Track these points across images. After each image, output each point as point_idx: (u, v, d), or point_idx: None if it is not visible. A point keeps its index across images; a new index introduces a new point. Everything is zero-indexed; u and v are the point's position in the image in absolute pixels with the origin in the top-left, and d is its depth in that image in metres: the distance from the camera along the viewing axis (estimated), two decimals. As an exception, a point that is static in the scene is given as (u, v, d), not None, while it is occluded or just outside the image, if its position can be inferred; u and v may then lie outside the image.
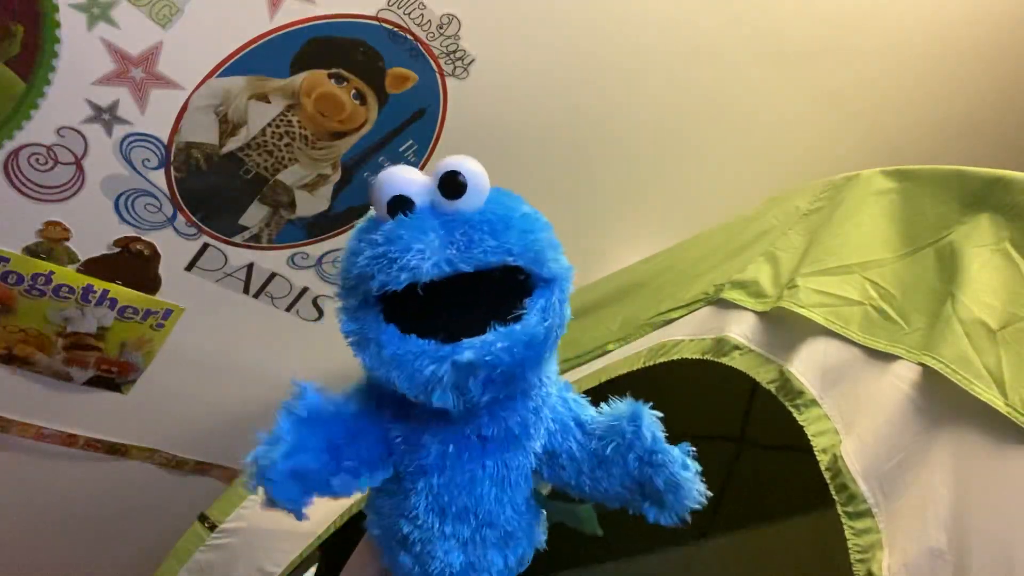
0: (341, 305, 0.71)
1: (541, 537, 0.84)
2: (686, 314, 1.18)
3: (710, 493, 0.75)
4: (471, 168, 0.66)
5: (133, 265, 1.58)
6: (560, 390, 0.81)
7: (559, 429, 0.78)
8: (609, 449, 0.75)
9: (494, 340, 0.65)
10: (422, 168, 1.66)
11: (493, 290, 0.67)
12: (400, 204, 0.65)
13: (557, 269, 0.71)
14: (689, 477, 0.74)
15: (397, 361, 0.66)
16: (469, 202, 0.66)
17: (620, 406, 0.77)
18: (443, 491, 0.74)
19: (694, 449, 0.75)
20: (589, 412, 0.80)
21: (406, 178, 0.67)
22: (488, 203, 0.68)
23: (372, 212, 0.70)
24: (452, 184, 0.65)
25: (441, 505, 0.75)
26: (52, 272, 1.52)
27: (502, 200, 0.69)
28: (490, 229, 0.66)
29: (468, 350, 0.64)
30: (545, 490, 0.85)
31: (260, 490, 0.69)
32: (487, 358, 0.65)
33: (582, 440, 0.77)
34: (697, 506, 0.74)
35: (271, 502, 0.70)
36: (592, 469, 0.77)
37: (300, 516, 0.71)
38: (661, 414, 0.75)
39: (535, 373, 0.74)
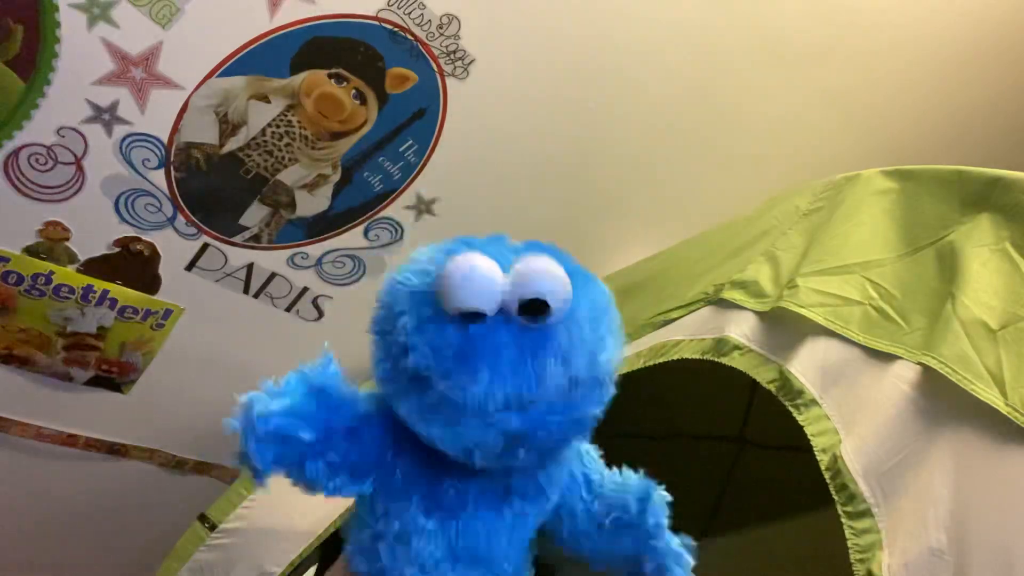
0: (378, 352, 0.65)
1: (530, 572, 0.81)
2: (686, 314, 1.18)
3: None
4: (559, 295, 0.57)
5: (133, 265, 1.58)
6: (579, 448, 0.78)
7: (570, 483, 0.76)
8: (609, 520, 0.73)
9: (547, 411, 0.60)
10: (422, 169, 1.66)
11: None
12: (471, 316, 0.58)
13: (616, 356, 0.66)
14: (680, 573, 0.72)
15: (440, 420, 0.62)
16: (554, 321, 0.59)
17: (633, 478, 0.74)
18: (459, 536, 0.71)
19: (695, 544, 0.74)
20: (599, 470, 0.77)
21: (487, 288, 0.57)
22: (577, 310, 0.60)
23: (424, 269, 0.62)
24: (535, 308, 0.57)
25: (454, 550, 0.71)
26: (52, 272, 1.52)
27: (576, 307, 0.60)
28: (563, 357, 0.59)
29: (519, 422, 0.60)
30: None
31: (236, 437, 0.65)
32: (539, 433, 0.61)
33: (586, 498, 0.75)
34: None
35: (242, 455, 0.66)
36: (586, 529, 0.75)
37: (260, 481, 0.67)
38: (670, 498, 0.73)
39: (577, 440, 0.71)
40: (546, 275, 0.58)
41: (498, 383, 0.58)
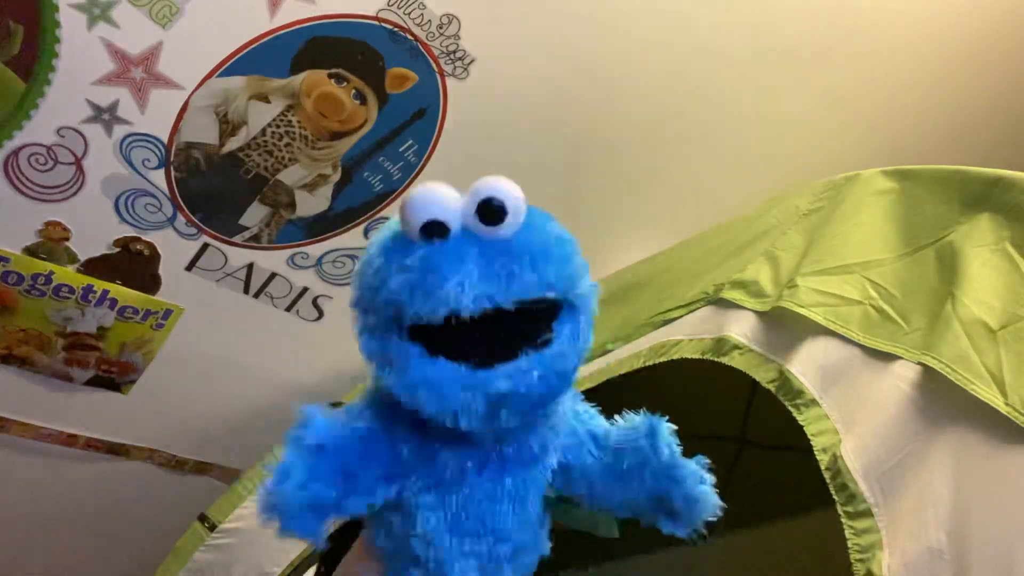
0: (360, 323, 0.67)
1: (547, 544, 0.82)
2: (686, 314, 1.18)
3: (724, 504, 0.74)
4: (511, 194, 0.62)
5: (133, 265, 1.58)
6: (571, 401, 0.79)
7: (574, 443, 0.76)
8: (625, 464, 0.73)
9: (528, 368, 0.62)
10: (422, 169, 1.66)
11: (523, 314, 0.63)
12: (434, 228, 0.60)
13: (584, 294, 0.68)
14: (706, 491, 0.72)
15: (426, 386, 0.63)
16: (506, 228, 0.62)
17: (636, 419, 0.76)
18: (460, 509, 0.72)
19: (708, 460, 0.75)
20: (602, 424, 0.78)
21: (442, 200, 0.61)
22: (528, 228, 0.64)
23: (396, 225, 0.64)
24: (491, 211, 0.60)
25: (458, 523, 0.72)
26: (52, 272, 1.52)
27: (537, 224, 0.66)
28: (531, 261, 0.62)
29: (502, 379, 0.62)
30: (550, 494, 0.83)
31: (272, 523, 0.66)
32: (522, 389, 0.62)
33: (597, 454, 0.76)
34: (712, 519, 0.73)
35: (287, 532, 0.67)
36: (606, 482, 0.76)
37: (319, 543, 0.69)
38: (675, 427, 0.74)
39: (563, 398, 0.72)
40: (498, 181, 0.62)
41: (468, 285, 0.59)
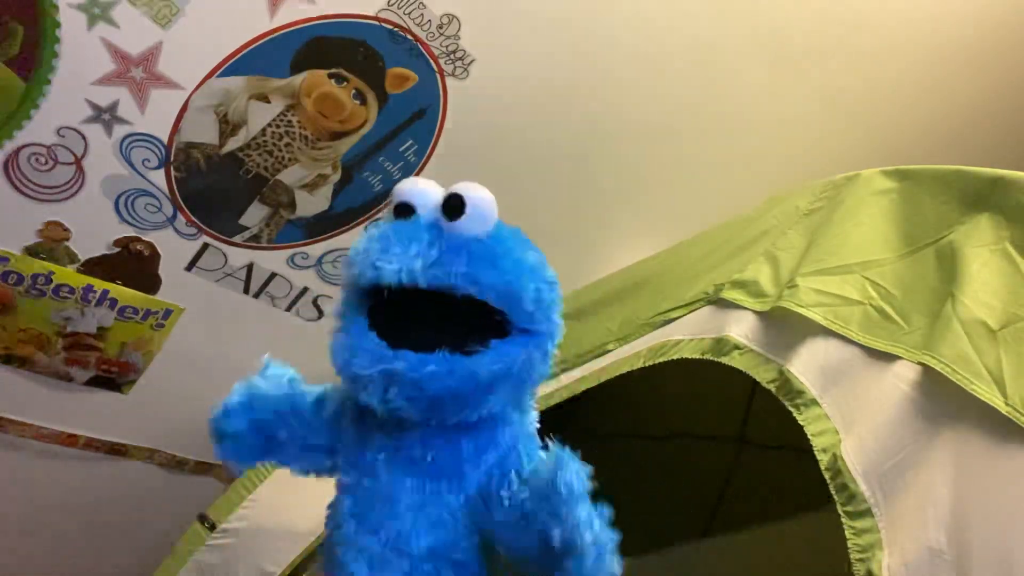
0: (340, 301, 0.73)
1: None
2: (686, 314, 1.18)
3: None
4: (476, 194, 0.67)
5: (133, 265, 1.58)
6: (527, 440, 0.76)
7: (502, 477, 0.71)
8: (529, 500, 0.67)
9: (429, 361, 0.65)
10: (422, 169, 1.66)
11: (471, 322, 0.67)
12: (404, 210, 0.67)
13: (541, 323, 0.69)
14: (588, 543, 0.60)
15: (343, 349, 0.68)
16: (468, 227, 0.66)
17: (552, 451, 0.67)
18: (364, 497, 0.75)
19: (611, 513, 0.63)
20: (532, 462, 0.73)
21: (419, 189, 0.68)
22: (492, 238, 0.68)
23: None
24: (451, 204, 0.66)
25: (360, 510, 0.74)
26: (52, 272, 1.52)
27: (507, 240, 0.69)
28: (468, 257, 0.65)
29: (401, 361, 0.65)
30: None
31: (216, 446, 0.78)
32: (412, 374, 0.65)
33: (516, 489, 0.69)
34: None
35: (216, 435, 0.78)
36: (516, 523, 0.68)
37: (238, 471, 0.79)
38: (588, 467, 0.64)
39: (473, 410, 0.69)
40: (470, 183, 0.67)
41: (399, 257, 0.64)
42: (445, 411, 0.69)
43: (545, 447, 0.72)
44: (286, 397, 0.81)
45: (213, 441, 0.79)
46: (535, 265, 0.71)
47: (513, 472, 0.71)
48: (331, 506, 0.80)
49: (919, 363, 0.81)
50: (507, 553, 0.71)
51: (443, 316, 0.67)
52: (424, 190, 0.68)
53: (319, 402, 0.82)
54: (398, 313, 0.67)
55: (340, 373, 0.70)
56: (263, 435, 0.80)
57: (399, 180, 1.64)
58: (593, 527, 0.61)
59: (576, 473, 0.63)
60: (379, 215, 1.70)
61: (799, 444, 0.90)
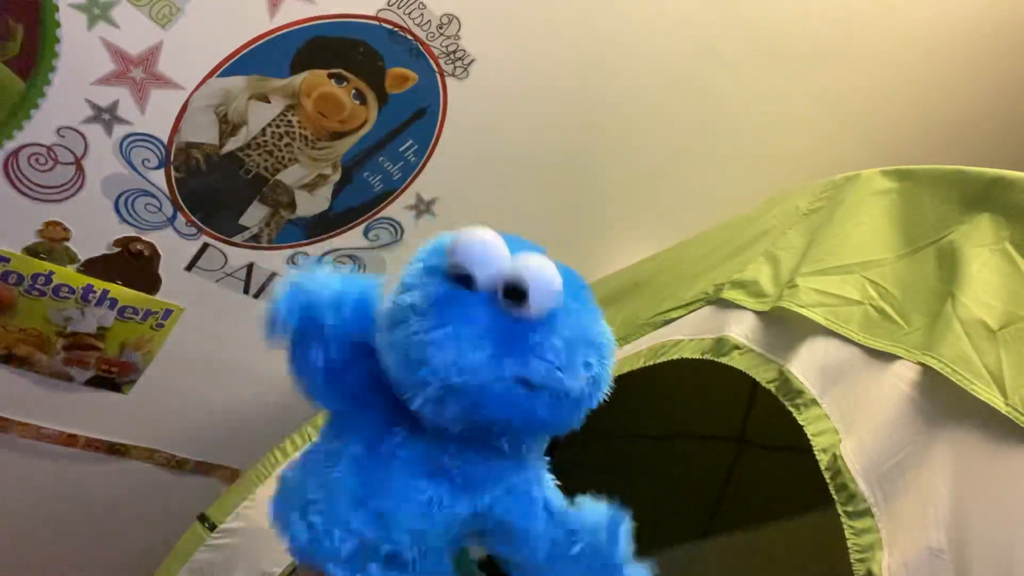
0: (385, 301, 0.68)
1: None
2: (686, 314, 1.18)
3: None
4: (544, 291, 0.59)
5: (133, 265, 1.58)
6: (537, 467, 0.76)
7: (524, 507, 0.73)
8: (576, 549, 0.70)
9: (492, 388, 0.61)
10: (422, 169, 1.66)
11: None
12: (463, 280, 0.60)
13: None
14: None
15: (400, 356, 0.63)
16: (532, 310, 0.60)
17: (599, 510, 0.72)
18: (371, 481, 0.70)
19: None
20: (559, 499, 0.75)
21: (490, 253, 0.61)
22: (551, 318, 0.61)
23: (445, 242, 0.64)
24: (515, 295, 0.59)
25: (362, 492, 0.70)
26: (52, 272, 1.52)
27: (568, 319, 0.63)
28: (528, 352, 0.61)
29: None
30: (475, 555, 0.80)
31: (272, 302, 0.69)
32: (477, 397, 0.61)
33: (546, 523, 0.72)
34: None
35: (271, 314, 0.69)
36: (547, 558, 0.72)
37: (287, 331, 0.70)
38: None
39: (524, 444, 0.70)
40: (541, 270, 0.59)
41: (451, 345, 0.59)
42: (498, 439, 0.67)
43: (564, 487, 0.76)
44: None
45: (283, 318, 0.69)
46: (599, 348, 0.67)
47: (541, 502, 0.73)
48: (312, 466, 0.74)
49: (919, 363, 0.81)
50: (508, 562, 0.74)
51: None
52: (492, 257, 0.60)
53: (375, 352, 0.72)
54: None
55: (394, 374, 0.64)
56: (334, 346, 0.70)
57: (399, 180, 1.66)
58: None
59: (630, 538, 0.70)
60: (379, 216, 1.70)
61: (799, 444, 0.90)
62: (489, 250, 0.60)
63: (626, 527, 0.71)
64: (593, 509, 0.72)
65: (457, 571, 0.76)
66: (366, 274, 0.75)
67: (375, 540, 0.69)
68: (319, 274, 0.71)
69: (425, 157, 1.64)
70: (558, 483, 0.77)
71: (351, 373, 0.72)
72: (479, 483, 0.71)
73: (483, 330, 0.60)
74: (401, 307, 0.63)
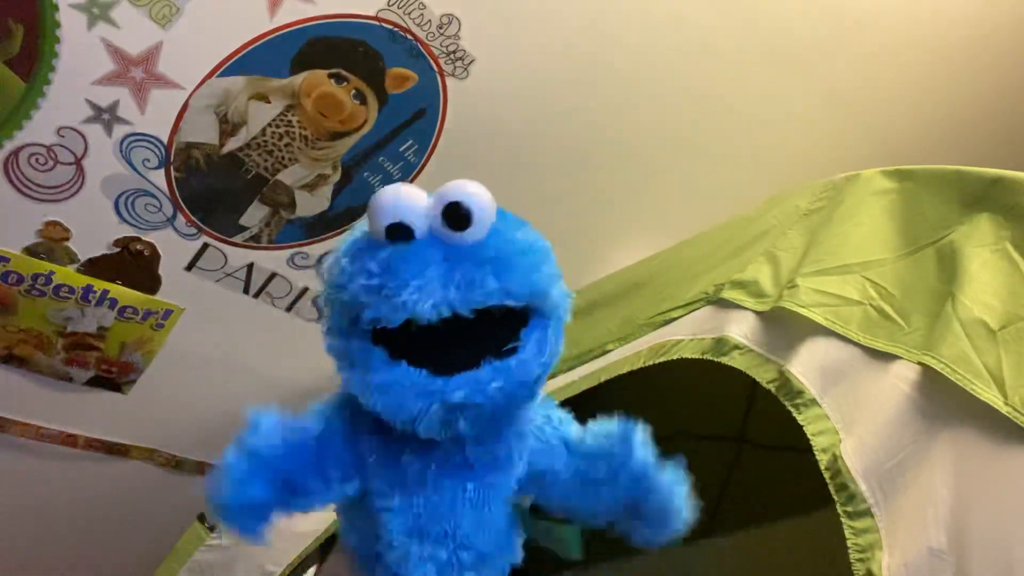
0: (327, 322, 0.67)
1: (519, 554, 0.80)
2: (686, 314, 1.18)
3: (701, 504, 0.74)
4: (478, 200, 0.60)
5: (133, 265, 1.58)
6: (544, 407, 0.78)
7: (545, 449, 0.75)
8: (600, 471, 0.73)
9: (488, 379, 0.63)
10: (422, 169, 1.66)
11: (488, 320, 0.63)
12: (399, 231, 0.60)
13: (556, 299, 0.68)
14: (680, 499, 0.72)
15: (384, 390, 0.63)
16: (472, 233, 0.61)
17: (610, 426, 0.74)
18: (422, 512, 0.71)
19: (686, 463, 0.73)
20: (575, 430, 0.77)
21: (408, 202, 0.60)
22: (496, 235, 0.62)
23: (365, 225, 0.64)
24: (456, 216, 0.60)
25: (419, 526, 0.72)
26: (52, 272, 1.52)
27: (506, 230, 0.64)
28: (492, 269, 0.61)
29: (460, 390, 0.62)
30: (525, 503, 0.82)
31: (230, 523, 0.70)
32: (478, 399, 0.62)
33: (569, 461, 0.75)
34: (684, 529, 0.73)
35: (230, 527, 0.70)
36: (580, 489, 0.74)
37: (260, 541, 0.70)
38: (651, 430, 0.72)
39: (526, 404, 0.71)
40: (466, 185, 0.60)
41: (427, 291, 0.59)
42: (505, 417, 0.69)
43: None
44: (285, 445, 0.72)
45: (224, 519, 0.70)
46: (536, 243, 0.67)
47: (559, 441, 0.75)
48: (354, 524, 0.77)
49: (919, 363, 0.81)
50: (574, 515, 0.76)
51: (456, 324, 0.62)
52: (412, 206, 0.60)
53: (324, 434, 0.74)
54: (410, 333, 0.62)
55: (387, 417, 0.64)
56: (277, 494, 0.71)
57: (399, 180, 1.65)
58: (679, 485, 0.72)
59: (646, 443, 0.72)
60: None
61: (799, 444, 0.90)
62: (407, 191, 0.61)
63: (639, 434, 0.72)
64: (603, 430, 0.74)
65: (525, 531, 0.79)
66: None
67: (450, 559, 0.72)
68: (219, 470, 0.72)
69: (425, 157, 1.64)
70: (567, 411, 0.79)
71: (330, 462, 0.72)
72: (506, 456, 0.73)
73: (444, 268, 0.60)
74: (351, 302, 0.62)
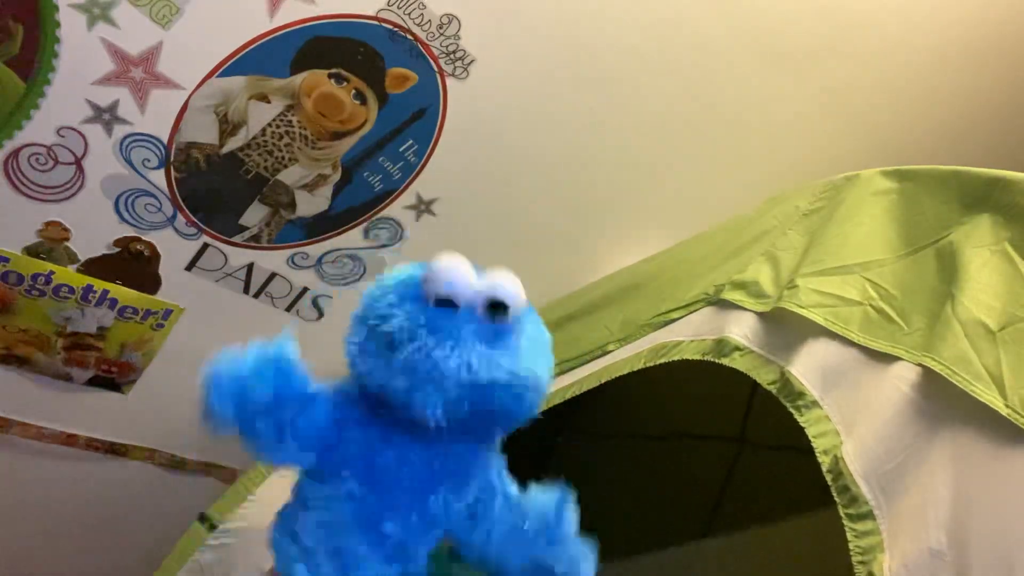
0: (358, 338, 0.76)
1: None
2: (686, 314, 1.18)
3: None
4: (517, 302, 0.73)
5: (133, 265, 1.58)
6: (499, 463, 0.87)
7: (490, 494, 0.83)
8: (529, 531, 0.81)
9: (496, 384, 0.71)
10: (422, 169, 1.66)
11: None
12: (446, 302, 0.71)
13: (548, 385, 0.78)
14: (588, 569, 0.82)
15: (405, 377, 0.71)
16: (506, 321, 0.72)
17: (547, 496, 0.83)
18: (374, 506, 0.77)
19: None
20: (514, 488, 0.86)
21: (464, 284, 0.72)
22: (520, 336, 0.74)
23: (414, 270, 0.75)
24: (496, 310, 0.72)
25: (369, 518, 0.77)
26: (52, 272, 1.52)
27: (530, 341, 0.75)
28: (509, 354, 0.72)
29: (499, 369, 0.71)
30: (444, 549, 0.87)
31: (203, 397, 0.74)
32: (505, 379, 0.71)
33: (505, 511, 0.83)
34: None
35: (206, 411, 0.74)
36: (505, 539, 0.82)
37: (219, 432, 0.75)
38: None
39: (504, 429, 0.80)
40: (511, 285, 0.73)
41: (455, 357, 0.70)
42: (492, 429, 0.79)
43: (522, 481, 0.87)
44: (287, 376, 0.78)
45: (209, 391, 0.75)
46: (547, 340, 0.79)
47: (502, 493, 0.84)
48: (312, 532, 0.80)
49: (919, 364, 0.81)
50: (486, 563, 0.83)
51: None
52: (465, 282, 0.72)
53: (316, 397, 0.80)
54: None
55: (417, 394, 0.71)
56: (261, 410, 0.76)
57: (399, 180, 1.66)
58: (589, 560, 0.82)
59: (574, 514, 0.81)
60: (379, 216, 1.70)
61: (799, 444, 0.90)
62: (464, 274, 0.73)
63: (570, 507, 0.82)
64: (542, 495, 0.84)
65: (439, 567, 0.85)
66: (272, 337, 0.80)
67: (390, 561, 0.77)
68: (228, 354, 0.76)
69: (425, 157, 1.64)
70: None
71: (302, 426, 0.78)
72: (468, 478, 0.81)
73: (474, 339, 0.71)
74: (392, 333, 0.72)
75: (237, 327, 1.77)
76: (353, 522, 0.77)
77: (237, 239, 1.63)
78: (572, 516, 0.81)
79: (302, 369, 0.79)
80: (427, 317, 0.71)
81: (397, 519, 0.77)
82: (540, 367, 0.76)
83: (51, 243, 1.50)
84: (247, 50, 1.39)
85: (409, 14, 1.44)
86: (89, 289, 1.57)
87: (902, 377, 0.82)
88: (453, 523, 0.81)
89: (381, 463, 0.77)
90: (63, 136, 1.38)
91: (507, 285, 0.72)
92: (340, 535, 0.77)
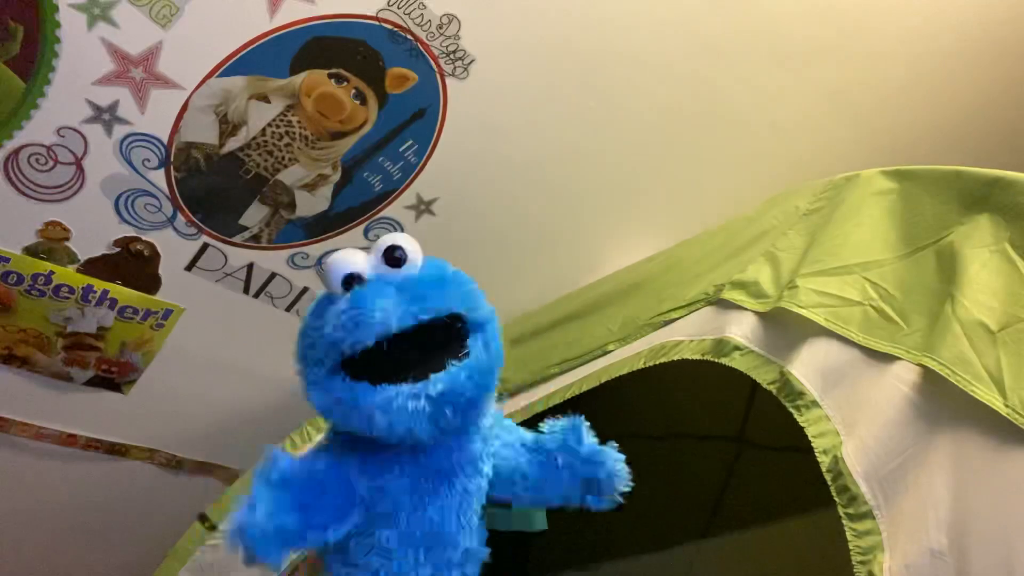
0: (308, 381, 0.80)
1: (486, 551, 0.91)
2: (686, 314, 1.18)
3: (629, 487, 0.90)
4: (407, 243, 0.80)
5: (133, 265, 1.58)
6: (496, 419, 0.93)
7: (505, 450, 0.91)
8: (559, 459, 0.90)
9: (457, 372, 0.77)
10: (422, 169, 1.66)
11: (438, 340, 0.79)
12: (354, 279, 0.77)
13: (486, 313, 0.84)
14: (622, 465, 0.91)
15: (383, 407, 0.75)
16: (409, 269, 0.80)
17: (559, 423, 0.93)
18: (415, 525, 0.82)
19: (616, 444, 0.91)
20: (525, 433, 0.94)
21: (353, 259, 0.79)
22: (422, 269, 0.81)
23: (320, 294, 0.82)
24: (394, 256, 0.79)
25: (413, 538, 0.82)
26: (52, 272, 1.52)
27: (432, 265, 0.83)
28: (434, 286, 0.79)
29: (438, 383, 0.76)
30: (483, 501, 0.93)
31: (240, 550, 0.75)
32: (455, 388, 0.76)
33: (531, 458, 0.91)
34: (627, 488, 0.91)
35: (252, 559, 0.76)
36: (543, 479, 0.91)
37: (278, 569, 0.81)
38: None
39: (489, 400, 0.85)
40: (395, 235, 0.80)
41: (391, 308, 0.75)
42: (480, 409, 0.83)
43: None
44: (304, 476, 0.81)
45: (255, 549, 0.75)
46: (460, 274, 0.85)
47: (517, 443, 0.92)
48: (344, 548, 0.84)
49: (919, 364, 0.81)
50: (533, 502, 0.92)
51: (416, 348, 0.77)
52: (356, 261, 0.79)
53: (330, 469, 0.83)
54: (381, 365, 0.76)
55: (385, 428, 0.75)
56: (301, 523, 0.79)
57: (399, 180, 1.66)
58: (619, 456, 0.91)
59: (588, 429, 0.91)
60: (379, 216, 1.70)
61: (799, 444, 0.90)
62: (350, 251, 0.80)
63: (584, 425, 0.91)
64: (556, 427, 0.92)
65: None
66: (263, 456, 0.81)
67: (439, 560, 0.83)
68: (239, 504, 0.77)
69: (425, 157, 1.64)
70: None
71: (337, 506, 0.82)
72: (478, 461, 0.87)
73: (398, 289, 0.77)
74: (332, 343, 0.76)
75: (237, 327, 1.77)
76: (397, 543, 0.82)
77: (237, 239, 1.63)
78: (588, 430, 0.90)
79: (302, 467, 0.81)
80: (345, 300, 0.76)
81: (433, 526, 0.83)
82: (468, 286, 0.82)
83: (51, 243, 1.50)
84: (247, 50, 1.39)
85: (409, 14, 1.44)
86: (89, 289, 1.57)
87: (902, 377, 0.82)
88: (482, 494, 0.87)
89: (391, 482, 0.82)
90: (63, 136, 1.38)
91: (392, 236, 0.80)
92: (397, 555, 0.82)
